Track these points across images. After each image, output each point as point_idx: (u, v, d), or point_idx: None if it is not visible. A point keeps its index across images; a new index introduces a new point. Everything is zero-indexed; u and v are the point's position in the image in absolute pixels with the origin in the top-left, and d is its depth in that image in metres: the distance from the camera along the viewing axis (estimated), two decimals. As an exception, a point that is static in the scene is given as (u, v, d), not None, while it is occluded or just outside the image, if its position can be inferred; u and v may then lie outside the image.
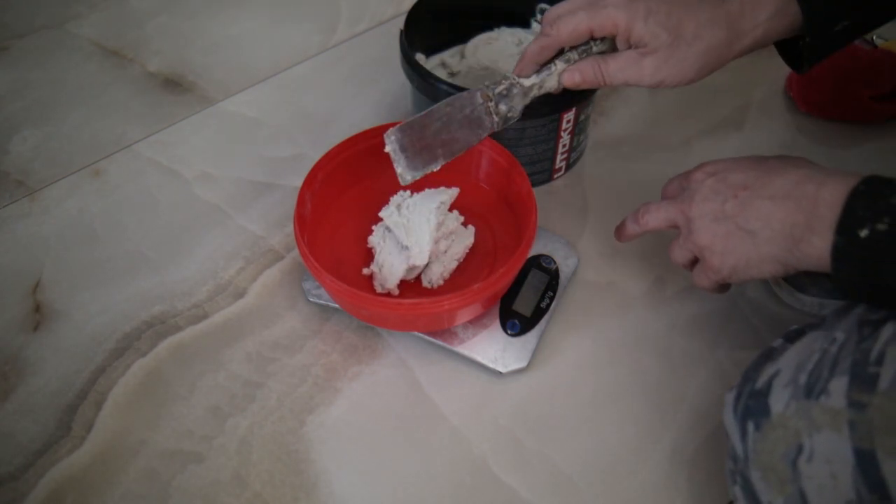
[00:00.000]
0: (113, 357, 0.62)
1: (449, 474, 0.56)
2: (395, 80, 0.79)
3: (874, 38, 0.84)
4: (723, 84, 0.84)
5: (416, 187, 0.62)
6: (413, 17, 0.71)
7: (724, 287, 0.55)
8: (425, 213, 0.59)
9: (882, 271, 0.40)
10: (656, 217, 0.56)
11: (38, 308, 0.65)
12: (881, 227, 0.40)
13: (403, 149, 0.58)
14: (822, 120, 0.79)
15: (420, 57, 0.73)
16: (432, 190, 0.62)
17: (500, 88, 0.58)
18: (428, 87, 0.66)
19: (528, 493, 0.55)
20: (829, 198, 0.43)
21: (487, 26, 0.76)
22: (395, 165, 0.58)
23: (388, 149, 0.58)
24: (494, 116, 0.58)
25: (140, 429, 0.58)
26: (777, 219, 0.46)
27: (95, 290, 0.66)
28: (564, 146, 0.71)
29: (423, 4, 0.72)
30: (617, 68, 0.55)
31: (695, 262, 0.55)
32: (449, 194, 0.61)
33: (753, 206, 0.48)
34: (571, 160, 0.74)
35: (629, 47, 0.55)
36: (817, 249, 0.44)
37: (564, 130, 0.68)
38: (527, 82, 0.58)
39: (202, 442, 0.57)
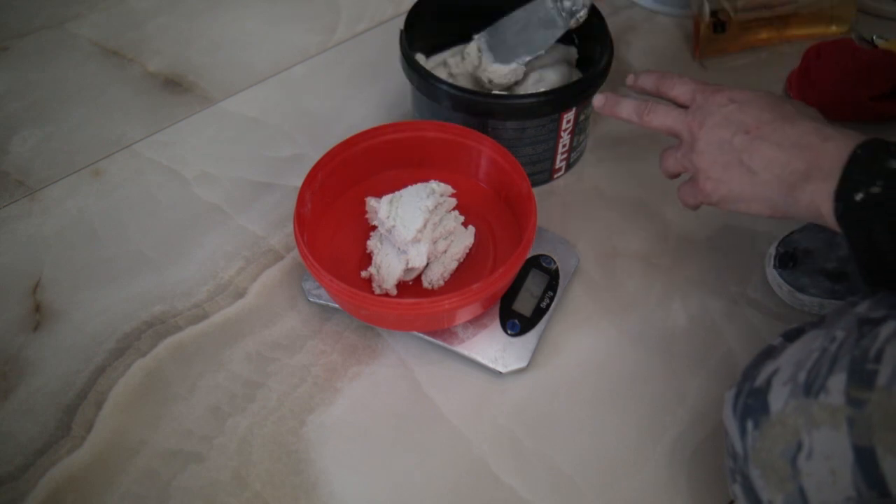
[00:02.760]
0: (113, 357, 0.62)
1: (449, 474, 0.56)
2: (395, 80, 0.79)
3: (874, 38, 0.84)
4: (723, 84, 0.83)
5: (401, 187, 0.62)
6: (413, 17, 0.71)
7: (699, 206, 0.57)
8: (416, 200, 0.59)
9: (873, 234, 0.42)
10: (662, 121, 0.57)
11: (38, 308, 0.65)
12: (875, 190, 0.42)
13: (491, 48, 0.69)
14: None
15: (420, 57, 0.73)
16: (421, 184, 0.62)
17: None
18: (428, 87, 0.66)
19: (528, 493, 0.55)
20: (832, 151, 0.45)
21: (487, 26, 0.76)
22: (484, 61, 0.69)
23: (475, 45, 0.70)
24: (563, 13, 0.66)
25: (140, 429, 0.58)
26: (779, 163, 0.48)
27: (95, 290, 0.66)
28: (564, 146, 0.70)
29: (423, 4, 0.72)
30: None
31: (677, 176, 0.58)
32: (441, 185, 0.62)
33: (761, 147, 0.49)
34: (571, 160, 0.74)
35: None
36: (808, 198, 0.46)
37: (564, 130, 0.68)
38: None
39: (202, 442, 0.57)
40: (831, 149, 0.45)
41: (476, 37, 0.70)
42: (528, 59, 0.69)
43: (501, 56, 0.70)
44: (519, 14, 0.68)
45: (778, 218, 0.50)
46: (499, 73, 0.70)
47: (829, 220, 0.45)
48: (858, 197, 0.43)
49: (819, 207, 0.46)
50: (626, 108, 0.59)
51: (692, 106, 0.55)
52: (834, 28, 0.87)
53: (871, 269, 0.44)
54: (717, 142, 0.52)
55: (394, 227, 0.59)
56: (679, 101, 0.57)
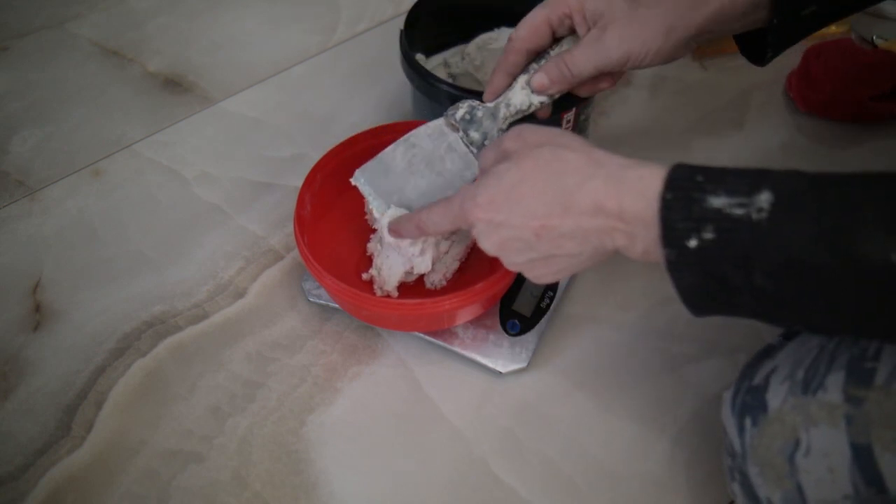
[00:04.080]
0: (113, 357, 0.62)
1: (449, 474, 0.56)
2: (395, 80, 0.79)
3: (874, 38, 0.84)
4: (723, 84, 0.84)
5: None
6: (413, 17, 0.71)
7: None
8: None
9: (725, 274, 0.38)
10: (438, 226, 0.51)
11: (38, 308, 0.65)
12: (708, 236, 0.37)
13: (382, 199, 0.56)
14: (822, 120, 0.79)
15: (420, 57, 0.73)
16: None
17: (460, 113, 0.55)
18: (428, 87, 0.66)
19: (528, 493, 0.55)
20: (635, 209, 0.41)
21: (488, 26, 0.76)
22: (377, 217, 0.56)
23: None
24: (472, 147, 0.55)
25: (140, 429, 0.58)
26: (594, 238, 0.43)
27: (95, 290, 0.66)
28: (564, 146, 0.70)
29: (423, 4, 0.72)
30: (581, 56, 0.52)
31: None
32: None
33: (563, 238, 0.44)
34: (571, 160, 0.74)
35: (588, 30, 0.53)
36: (642, 253, 0.42)
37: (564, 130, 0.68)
38: (490, 103, 0.55)
39: (202, 442, 0.57)
40: (633, 209, 0.41)
41: (354, 178, 0.57)
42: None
43: (391, 196, 0.57)
44: (414, 148, 0.56)
45: None
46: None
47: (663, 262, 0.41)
48: (692, 244, 0.38)
49: (652, 255, 0.41)
50: (407, 229, 0.54)
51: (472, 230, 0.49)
52: (834, 28, 0.87)
53: (708, 301, 0.41)
54: (517, 254, 0.46)
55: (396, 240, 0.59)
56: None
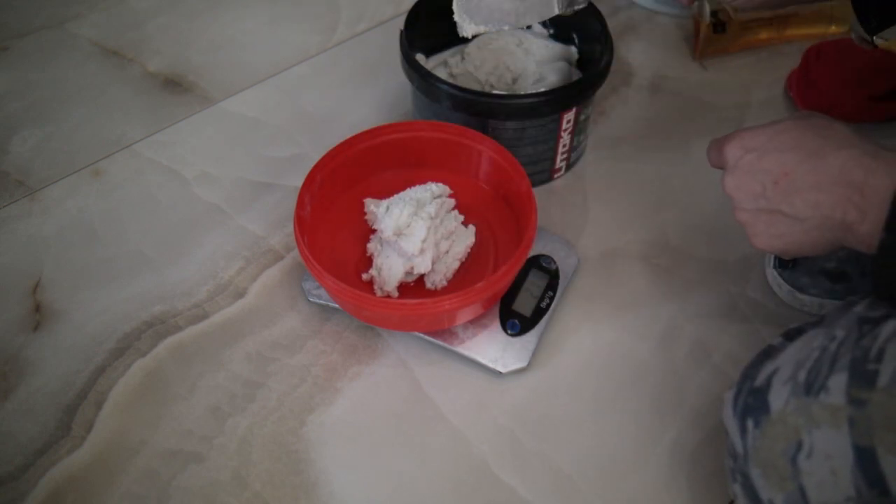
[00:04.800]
0: (113, 357, 0.62)
1: (449, 474, 0.56)
2: (395, 80, 0.79)
3: (874, 38, 0.84)
4: (723, 84, 0.84)
5: (401, 187, 0.62)
6: (413, 17, 0.71)
7: None
8: (416, 206, 0.59)
9: None
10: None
11: (38, 308, 0.65)
12: None
13: (466, 10, 0.60)
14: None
15: (420, 57, 0.73)
16: (419, 186, 0.62)
17: None
18: (428, 87, 0.66)
19: (528, 493, 0.55)
20: (879, 185, 0.42)
21: (487, 26, 0.76)
22: (455, 10, 0.61)
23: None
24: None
25: (140, 429, 0.58)
26: (827, 205, 0.45)
27: (95, 290, 0.66)
28: (564, 146, 0.71)
29: (423, 4, 0.72)
30: None
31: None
32: (439, 187, 0.62)
33: (799, 195, 0.46)
34: (571, 160, 0.74)
35: None
36: (867, 235, 0.43)
37: (564, 130, 0.68)
38: None
39: (202, 442, 0.57)
40: (876, 183, 0.42)
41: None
42: (503, 27, 0.62)
43: (479, 17, 0.62)
44: None
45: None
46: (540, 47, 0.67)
47: (874, 249, 0.42)
48: None
49: (874, 243, 0.43)
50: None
51: (724, 167, 0.51)
52: (834, 28, 0.87)
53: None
54: (750, 198, 0.48)
55: (396, 240, 0.59)
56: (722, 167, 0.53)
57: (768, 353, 0.46)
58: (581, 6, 0.61)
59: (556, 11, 0.61)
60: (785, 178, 0.46)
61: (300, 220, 0.59)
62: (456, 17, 0.62)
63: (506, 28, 0.62)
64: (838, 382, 0.40)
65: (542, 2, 0.62)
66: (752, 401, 0.44)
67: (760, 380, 0.44)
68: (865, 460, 0.38)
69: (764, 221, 0.48)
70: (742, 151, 0.49)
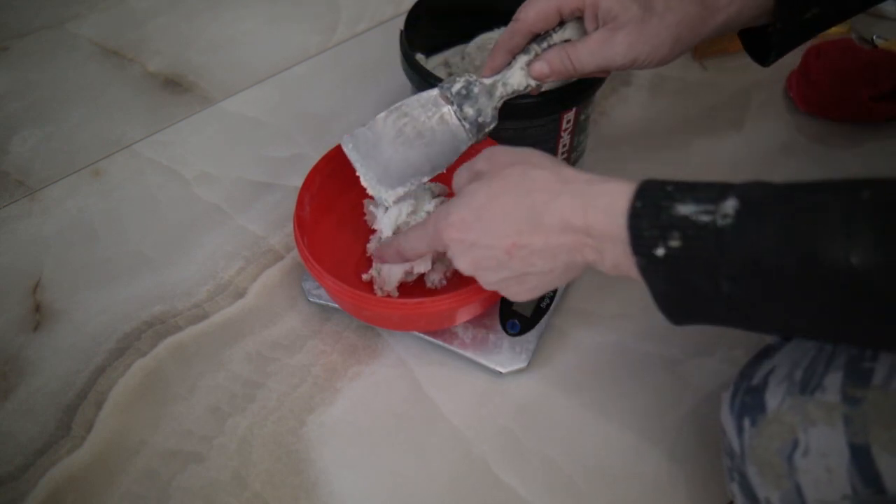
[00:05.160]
0: (113, 357, 0.62)
1: (449, 474, 0.56)
2: (395, 80, 0.79)
3: (874, 38, 0.84)
4: (723, 84, 0.84)
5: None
6: (413, 17, 0.71)
7: None
8: (416, 207, 0.59)
9: (693, 281, 0.39)
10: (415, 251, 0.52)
11: (38, 308, 0.65)
12: (674, 244, 0.38)
13: (370, 167, 0.55)
14: (822, 120, 0.79)
15: (420, 57, 0.73)
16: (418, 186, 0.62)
17: (457, 87, 0.55)
18: (428, 88, 0.66)
19: (528, 493, 0.55)
20: (598, 224, 0.42)
21: (488, 26, 0.76)
22: (365, 186, 0.56)
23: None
24: (465, 123, 0.55)
25: (140, 429, 0.58)
26: (565, 253, 0.44)
27: (95, 290, 0.66)
28: (564, 146, 0.70)
29: (423, 4, 0.72)
30: (587, 52, 0.53)
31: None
32: (438, 186, 0.62)
33: (534, 256, 0.44)
34: (571, 160, 0.74)
35: (597, 27, 0.53)
36: (612, 266, 0.43)
37: (564, 130, 0.68)
38: (487, 80, 0.55)
39: (202, 442, 0.57)
40: (597, 223, 0.42)
41: (343, 142, 0.56)
42: (422, 181, 0.56)
43: (393, 181, 0.56)
44: (403, 119, 0.55)
45: None
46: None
47: (633, 273, 0.42)
48: (659, 253, 0.39)
49: (622, 268, 0.43)
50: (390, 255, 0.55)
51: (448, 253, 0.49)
52: (834, 28, 0.87)
53: (682, 309, 0.41)
54: (491, 273, 0.47)
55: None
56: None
57: (765, 353, 0.46)
58: (489, 126, 0.56)
59: (467, 143, 0.56)
60: (514, 248, 0.45)
61: (300, 221, 0.59)
62: (371, 192, 0.56)
63: (425, 181, 0.56)
64: (834, 381, 0.40)
65: (451, 138, 0.56)
66: (748, 400, 0.44)
67: (757, 379, 0.45)
68: (861, 458, 0.38)
69: (515, 283, 0.47)
70: (456, 233, 0.47)
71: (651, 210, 0.39)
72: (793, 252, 0.35)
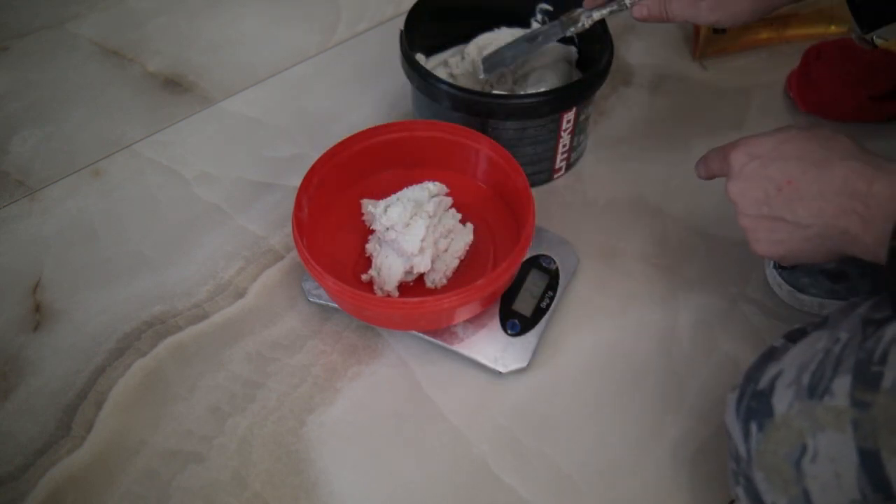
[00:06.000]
0: (113, 357, 0.62)
1: (449, 474, 0.56)
2: (395, 80, 0.79)
3: (874, 38, 0.84)
4: (723, 84, 0.84)
5: (399, 187, 0.62)
6: (413, 17, 0.71)
7: None
8: (414, 206, 0.59)
9: None
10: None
11: (38, 308, 0.65)
12: None
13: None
14: (822, 120, 0.79)
15: (420, 57, 0.73)
16: (416, 186, 0.62)
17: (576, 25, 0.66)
18: (428, 87, 0.66)
19: (528, 493, 0.55)
20: (882, 196, 0.43)
21: (488, 26, 0.76)
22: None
23: (475, 46, 0.74)
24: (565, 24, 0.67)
25: (140, 429, 0.58)
26: (829, 214, 0.45)
27: (95, 290, 0.66)
28: (564, 146, 0.71)
29: (423, 4, 0.72)
30: (678, 9, 0.59)
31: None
32: (437, 186, 0.62)
33: (802, 203, 0.46)
34: (571, 160, 0.74)
35: None
36: (871, 245, 0.43)
37: (564, 130, 0.68)
38: (596, 14, 0.65)
39: (202, 442, 0.57)
40: (878, 192, 0.43)
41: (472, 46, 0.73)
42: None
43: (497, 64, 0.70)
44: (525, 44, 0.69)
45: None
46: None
47: (880, 259, 0.42)
48: None
49: (878, 252, 0.43)
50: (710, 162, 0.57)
51: (728, 174, 0.52)
52: (834, 28, 0.87)
53: None
54: (753, 204, 0.49)
55: (395, 239, 0.59)
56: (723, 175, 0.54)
57: (771, 355, 0.46)
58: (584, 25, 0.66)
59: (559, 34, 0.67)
60: (788, 186, 0.47)
61: (298, 222, 0.59)
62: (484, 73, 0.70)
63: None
64: (842, 385, 0.40)
65: (550, 30, 0.68)
66: (755, 404, 0.44)
67: (764, 383, 0.44)
68: (870, 463, 0.38)
69: (766, 228, 0.49)
70: (747, 158, 0.49)
71: None
72: None
